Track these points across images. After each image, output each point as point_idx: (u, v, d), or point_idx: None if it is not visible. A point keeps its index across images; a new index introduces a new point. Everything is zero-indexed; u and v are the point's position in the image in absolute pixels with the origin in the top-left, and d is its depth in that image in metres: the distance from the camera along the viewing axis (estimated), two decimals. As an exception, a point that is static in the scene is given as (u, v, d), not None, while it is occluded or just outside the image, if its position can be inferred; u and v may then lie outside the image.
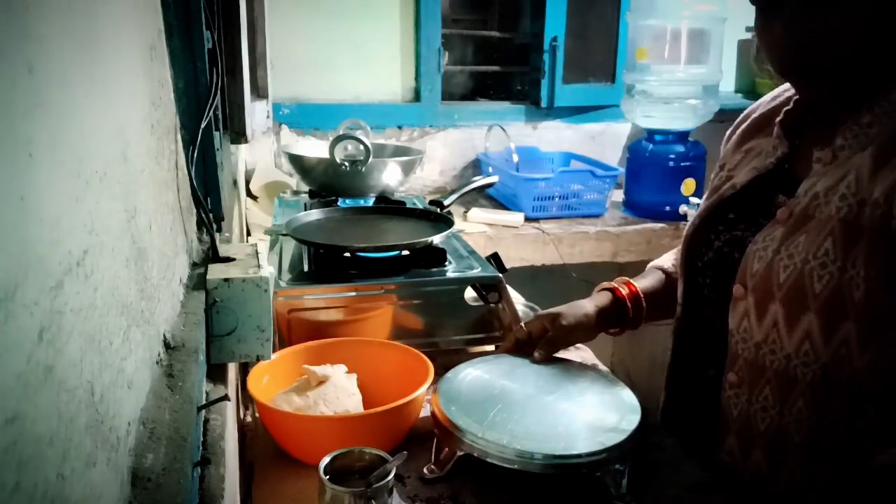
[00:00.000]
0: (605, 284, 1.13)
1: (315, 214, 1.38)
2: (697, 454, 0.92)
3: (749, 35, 2.84)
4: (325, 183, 1.69)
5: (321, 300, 1.13)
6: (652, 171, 2.36)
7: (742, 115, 1.05)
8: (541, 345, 1.03)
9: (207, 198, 1.02)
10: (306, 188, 1.80)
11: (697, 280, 0.96)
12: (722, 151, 1.05)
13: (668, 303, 1.06)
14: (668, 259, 1.16)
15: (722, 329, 0.88)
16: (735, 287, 0.86)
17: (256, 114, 1.46)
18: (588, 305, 1.08)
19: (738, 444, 0.87)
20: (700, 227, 0.96)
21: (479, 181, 1.60)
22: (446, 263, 1.23)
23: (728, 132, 1.06)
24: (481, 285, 1.18)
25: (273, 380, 0.97)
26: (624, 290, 1.09)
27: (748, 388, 0.85)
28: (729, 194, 0.94)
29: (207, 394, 0.76)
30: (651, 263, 1.18)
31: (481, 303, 1.18)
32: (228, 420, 0.76)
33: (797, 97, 0.90)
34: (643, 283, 1.11)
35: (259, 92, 1.59)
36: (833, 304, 0.75)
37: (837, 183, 0.78)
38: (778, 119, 0.92)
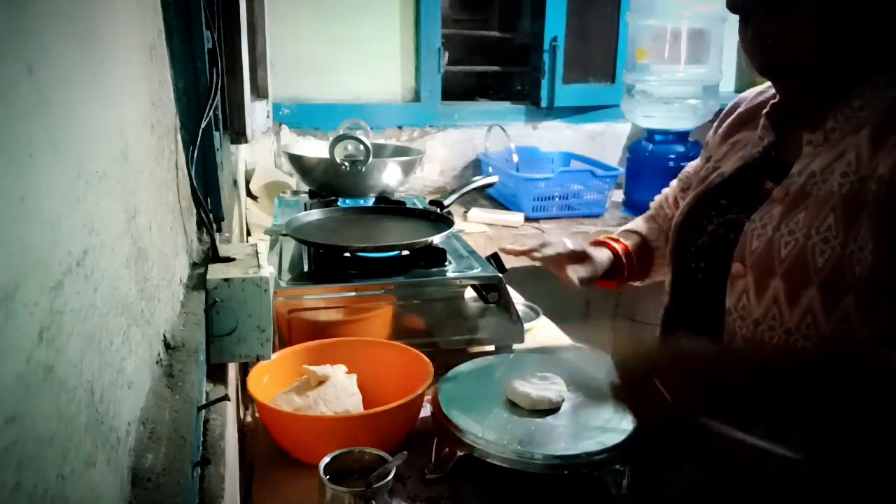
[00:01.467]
0: (600, 238, 1.21)
1: (315, 214, 1.38)
2: (698, 451, 0.91)
3: (749, 35, 2.84)
4: (325, 183, 1.69)
5: (321, 300, 1.13)
6: (652, 171, 2.36)
7: (727, 109, 1.08)
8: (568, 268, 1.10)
9: (207, 198, 1.02)
10: (306, 188, 1.80)
11: (689, 266, 0.98)
12: (708, 144, 1.09)
13: (644, 263, 1.19)
14: (638, 223, 1.26)
15: (714, 313, 0.90)
16: (734, 265, 0.87)
17: (256, 114, 1.46)
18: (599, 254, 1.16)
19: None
20: (690, 214, 0.99)
21: (479, 181, 1.60)
22: (446, 263, 1.23)
23: (714, 125, 1.09)
24: (481, 285, 1.18)
25: (273, 380, 0.97)
26: (619, 247, 1.18)
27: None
28: (717, 181, 0.97)
29: (207, 394, 0.76)
30: (622, 228, 1.27)
31: (481, 303, 1.18)
32: (228, 420, 0.76)
33: None
34: (629, 242, 1.20)
35: (259, 92, 1.59)
36: (835, 279, 0.77)
37: (834, 161, 0.81)
38: (764, 111, 0.95)
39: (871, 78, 0.81)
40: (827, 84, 0.84)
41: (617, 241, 1.20)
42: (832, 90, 0.83)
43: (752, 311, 0.84)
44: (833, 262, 0.77)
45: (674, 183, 1.23)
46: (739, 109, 1.04)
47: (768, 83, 1.00)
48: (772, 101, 0.96)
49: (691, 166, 1.18)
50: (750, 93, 1.05)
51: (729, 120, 1.05)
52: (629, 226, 1.27)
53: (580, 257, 1.13)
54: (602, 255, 1.16)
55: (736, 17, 0.88)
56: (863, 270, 0.76)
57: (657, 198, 1.28)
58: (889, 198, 0.75)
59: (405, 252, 1.23)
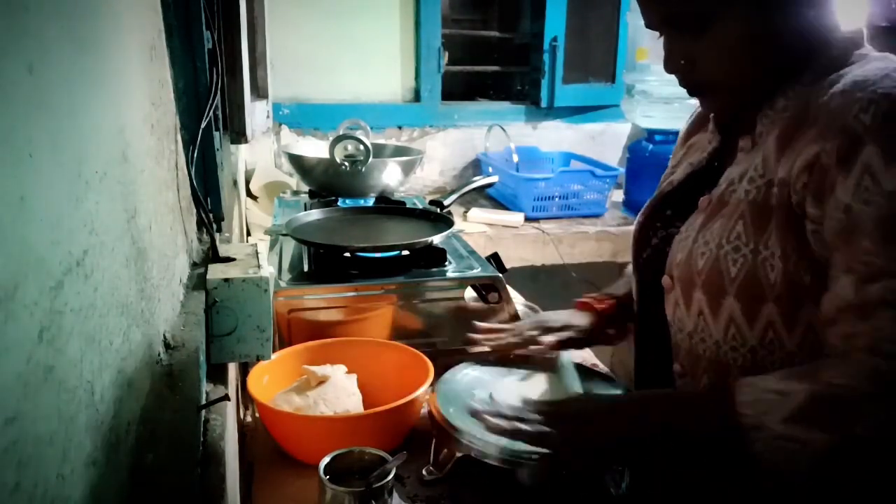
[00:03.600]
0: (583, 300, 1.13)
1: (315, 214, 1.38)
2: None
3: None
4: (325, 183, 1.69)
5: (321, 300, 1.13)
6: (652, 171, 2.35)
7: (693, 111, 1.06)
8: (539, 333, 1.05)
9: (207, 198, 1.02)
10: (306, 188, 1.80)
11: (644, 279, 0.96)
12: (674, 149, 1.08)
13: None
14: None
15: (665, 322, 0.89)
16: (664, 278, 0.86)
17: (256, 114, 1.47)
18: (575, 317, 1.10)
19: None
20: (643, 225, 0.97)
21: (479, 181, 1.60)
22: (446, 263, 1.23)
23: (681, 128, 1.07)
24: (481, 285, 1.18)
25: (273, 380, 0.97)
26: (601, 305, 1.10)
27: (691, 377, 0.85)
28: (668, 190, 0.96)
29: (207, 394, 0.76)
30: (627, 267, 1.20)
31: (481, 303, 1.18)
32: (228, 420, 0.76)
33: None
34: (623, 289, 1.12)
35: (259, 92, 1.59)
36: (750, 287, 0.76)
37: (748, 167, 0.80)
38: (712, 115, 0.93)
39: (797, 76, 0.78)
40: (752, 94, 0.81)
41: (602, 300, 1.11)
42: (760, 96, 0.81)
43: (685, 323, 0.83)
44: (745, 270, 0.76)
45: None
46: (698, 110, 1.03)
47: None
48: None
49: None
50: None
51: (690, 120, 1.04)
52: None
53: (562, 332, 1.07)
54: (583, 322, 1.08)
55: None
56: (776, 277, 0.74)
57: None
58: (786, 201, 0.73)
59: (405, 252, 1.23)
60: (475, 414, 0.78)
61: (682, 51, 0.80)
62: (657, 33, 0.85)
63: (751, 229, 0.76)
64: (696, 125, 1.01)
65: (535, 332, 1.06)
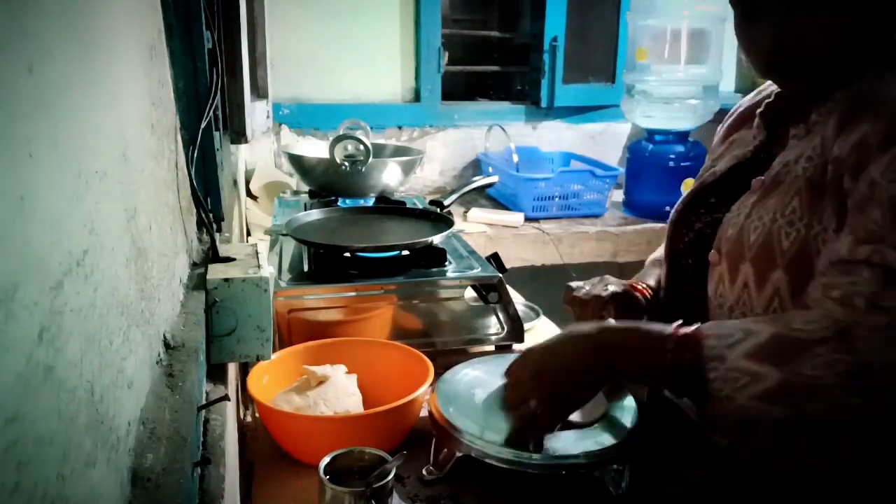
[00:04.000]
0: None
1: (315, 214, 1.38)
2: (697, 450, 0.91)
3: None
4: (325, 183, 1.69)
5: (321, 300, 1.13)
6: (652, 171, 2.36)
7: (731, 111, 1.09)
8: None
9: (207, 198, 1.02)
10: (306, 188, 1.80)
11: (680, 262, 0.99)
12: (712, 148, 1.09)
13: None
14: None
15: (701, 305, 0.91)
16: (711, 254, 0.88)
17: (256, 114, 1.47)
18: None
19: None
20: (682, 212, 1.00)
21: (479, 181, 1.60)
22: (446, 263, 1.23)
23: (719, 127, 1.10)
24: (481, 285, 1.18)
25: (273, 380, 0.97)
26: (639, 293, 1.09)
27: None
28: (710, 180, 0.98)
29: (207, 394, 0.76)
30: (649, 258, 1.20)
31: (481, 303, 1.18)
32: (228, 420, 0.76)
33: (779, 90, 0.94)
34: (650, 280, 1.12)
35: (259, 92, 1.59)
36: (800, 260, 0.78)
37: (807, 149, 0.82)
38: (759, 111, 0.95)
39: (859, 71, 0.81)
40: (831, 80, 0.83)
41: (636, 287, 1.09)
42: (826, 87, 0.83)
43: (727, 297, 0.85)
44: (798, 244, 0.78)
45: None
46: (740, 110, 1.05)
47: (768, 82, 1.00)
48: (766, 101, 0.96)
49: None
50: (750, 94, 1.05)
51: (730, 120, 1.06)
52: (655, 254, 1.20)
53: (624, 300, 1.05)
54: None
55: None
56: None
57: None
58: (838, 179, 0.75)
59: (405, 252, 1.23)
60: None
61: (787, 25, 0.80)
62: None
63: (806, 205, 0.78)
64: (737, 124, 1.03)
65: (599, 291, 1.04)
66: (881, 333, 0.67)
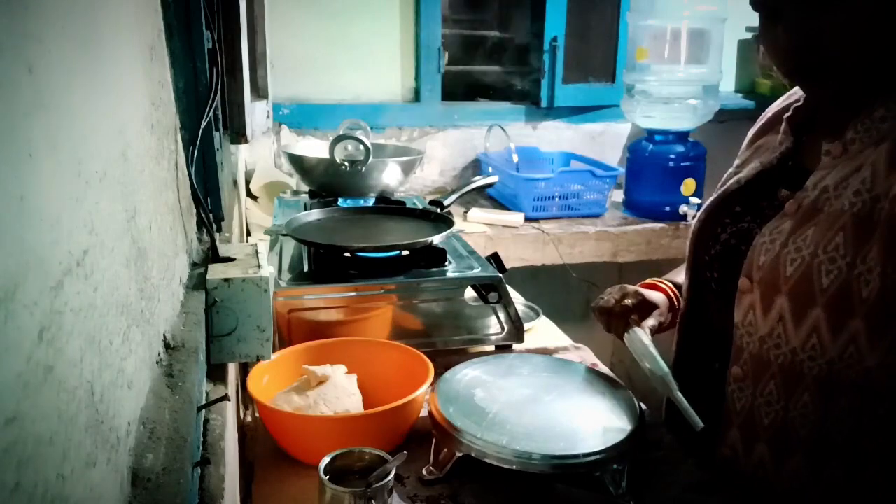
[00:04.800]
0: (650, 281, 1.11)
1: (315, 214, 1.38)
2: (697, 450, 0.92)
3: (749, 35, 2.85)
4: (325, 183, 1.69)
5: (321, 300, 1.13)
6: (652, 171, 2.36)
7: (762, 115, 1.05)
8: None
9: (207, 198, 1.02)
10: (306, 188, 1.80)
11: (704, 274, 0.96)
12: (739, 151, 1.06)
13: None
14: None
15: (727, 322, 0.88)
16: (741, 280, 0.85)
17: (256, 114, 1.47)
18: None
19: (741, 437, 0.87)
20: (707, 221, 0.96)
21: (479, 181, 1.60)
22: (446, 263, 1.23)
23: (749, 132, 1.06)
24: (481, 285, 1.18)
25: (273, 380, 0.97)
26: (664, 288, 1.08)
27: (752, 381, 0.85)
28: (734, 188, 0.95)
29: (207, 394, 0.76)
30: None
31: (481, 303, 1.18)
32: (228, 420, 0.76)
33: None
34: (678, 279, 1.10)
35: (259, 92, 1.59)
36: (841, 300, 0.75)
37: (849, 177, 0.78)
38: (786, 115, 0.92)
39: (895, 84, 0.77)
40: (859, 88, 0.80)
41: (658, 285, 1.09)
42: (857, 97, 0.80)
43: (759, 327, 0.83)
44: (839, 282, 0.75)
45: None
46: (769, 114, 1.02)
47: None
48: (795, 105, 0.92)
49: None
50: (781, 98, 1.01)
51: (758, 124, 1.03)
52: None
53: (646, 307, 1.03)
54: (660, 298, 1.06)
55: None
56: (871, 293, 0.73)
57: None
58: (893, 218, 0.72)
59: (405, 252, 1.23)
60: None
61: (806, 27, 0.77)
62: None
63: (851, 242, 0.75)
64: (765, 128, 1.00)
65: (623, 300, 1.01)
66: None
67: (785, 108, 0.96)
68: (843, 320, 0.75)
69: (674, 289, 1.08)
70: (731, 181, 0.96)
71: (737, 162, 1.02)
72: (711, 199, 0.99)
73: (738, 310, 0.86)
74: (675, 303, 1.07)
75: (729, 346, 0.88)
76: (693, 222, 1.00)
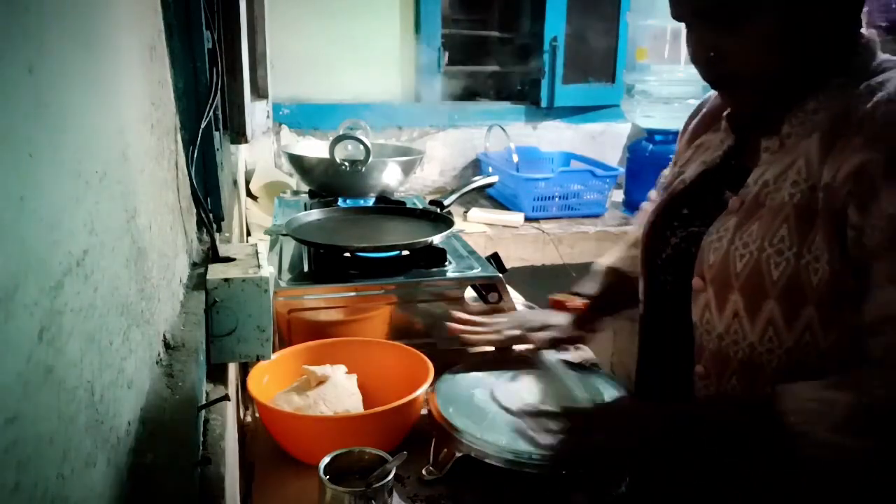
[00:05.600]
0: (556, 298, 1.16)
1: (315, 214, 1.38)
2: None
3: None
4: (325, 183, 1.69)
5: (321, 300, 1.13)
6: (652, 171, 2.33)
7: (694, 110, 1.05)
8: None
9: (207, 198, 1.02)
10: (306, 188, 1.80)
11: (658, 278, 0.96)
12: (677, 147, 1.06)
13: (618, 298, 1.11)
14: (613, 256, 1.20)
15: (687, 323, 0.89)
16: (694, 280, 0.86)
17: (256, 114, 1.47)
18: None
19: None
20: (656, 225, 0.97)
21: (479, 181, 1.60)
22: (446, 263, 1.23)
23: (681, 128, 1.06)
24: (481, 285, 1.18)
25: (273, 380, 0.97)
26: (573, 305, 1.13)
27: (716, 379, 0.85)
28: (680, 189, 0.95)
29: (207, 394, 0.76)
30: (596, 263, 1.21)
31: (481, 303, 1.18)
32: (228, 420, 0.76)
33: None
34: (594, 289, 1.14)
35: (259, 92, 1.59)
36: (792, 290, 0.76)
37: (787, 169, 0.79)
38: (725, 113, 0.93)
39: (826, 78, 0.79)
40: (780, 91, 0.81)
41: (572, 300, 1.14)
42: (787, 95, 0.81)
43: (716, 325, 0.83)
44: (789, 273, 0.76)
45: (652, 193, 1.15)
46: (704, 110, 1.02)
47: None
48: None
49: (665, 173, 1.12)
50: (713, 93, 1.01)
51: (694, 121, 1.03)
52: (607, 261, 1.21)
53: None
54: (562, 321, 1.12)
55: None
56: (820, 280, 0.74)
57: (639, 213, 1.21)
58: (832, 205, 0.73)
59: (405, 252, 1.23)
60: (523, 417, 0.81)
61: (712, 43, 0.79)
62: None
63: (795, 233, 0.76)
64: (703, 126, 1.01)
65: (515, 332, 1.06)
66: None
67: (722, 106, 0.96)
68: (797, 310, 0.76)
69: (581, 303, 1.12)
70: (677, 181, 0.97)
71: (677, 160, 1.02)
72: (658, 202, 0.99)
73: (694, 309, 0.86)
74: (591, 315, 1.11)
75: (691, 345, 0.88)
76: (644, 225, 1.00)
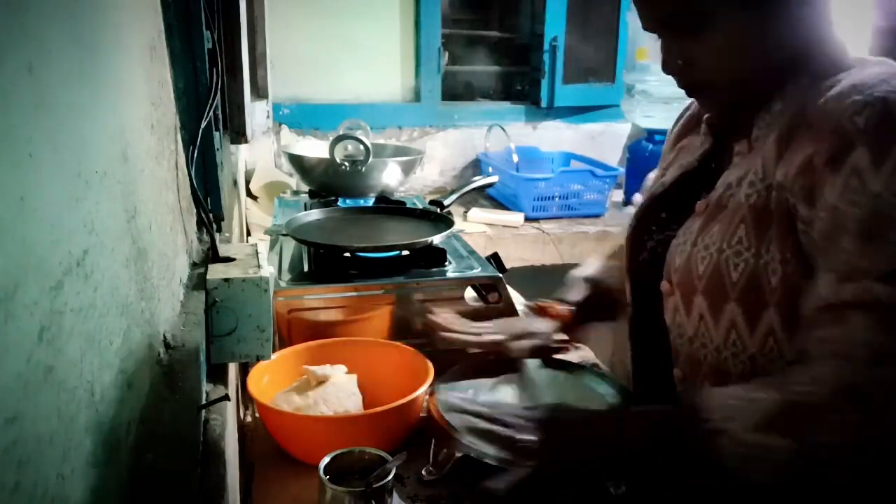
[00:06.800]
0: (540, 304, 1.14)
1: (315, 214, 1.38)
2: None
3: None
4: (325, 183, 1.69)
5: (321, 300, 1.13)
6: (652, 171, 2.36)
7: (680, 113, 1.05)
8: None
9: (207, 198, 1.02)
10: (306, 188, 1.80)
11: (640, 282, 0.96)
12: (663, 150, 1.07)
13: (599, 309, 1.11)
14: (592, 266, 1.20)
15: (665, 328, 0.88)
16: (662, 283, 0.86)
17: (256, 114, 1.47)
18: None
19: None
20: (637, 228, 0.96)
21: (479, 181, 1.60)
22: (446, 263, 1.23)
23: (669, 129, 1.06)
24: (481, 285, 1.18)
25: (273, 380, 0.97)
26: (555, 312, 1.11)
27: (692, 382, 0.85)
28: (659, 192, 0.95)
29: (207, 394, 0.76)
30: (572, 273, 1.20)
31: (481, 303, 1.18)
32: (228, 420, 0.76)
33: None
34: (578, 295, 1.13)
35: (259, 92, 1.59)
36: (751, 291, 0.75)
37: (748, 171, 0.79)
38: (705, 117, 0.93)
39: (793, 79, 0.78)
40: (749, 94, 0.81)
41: (554, 307, 1.12)
42: (756, 97, 0.80)
43: (686, 328, 0.83)
44: (748, 274, 0.75)
45: (637, 196, 1.13)
46: (689, 112, 1.02)
47: None
48: None
49: (651, 175, 1.11)
50: None
51: (679, 124, 1.03)
52: (589, 272, 1.21)
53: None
54: (546, 328, 1.09)
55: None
56: (777, 281, 0.73)
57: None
58: (784, 205, 0.73)
59: (405, 252, 1.23)
60: (456, 409, 0.78)
61: (679, 51, 0.80)
62: (651, 35, 0.85)
63: (752, 233, 0.76)
64: (686, 128, 1.00)
65: (496, 337, 1.04)
66: (892, 386, 0.63)
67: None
68: (758, 312, 0.75)
69: (564, 310, 1.11)
70: (657, 184, 0.97)
71: (662, 164, 1.02)
72: (639, 205, 0.98)
73: (666, 313, 0.86)
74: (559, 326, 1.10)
75: (669, 349, 0.88)
76: (627, 227, 0.99)
